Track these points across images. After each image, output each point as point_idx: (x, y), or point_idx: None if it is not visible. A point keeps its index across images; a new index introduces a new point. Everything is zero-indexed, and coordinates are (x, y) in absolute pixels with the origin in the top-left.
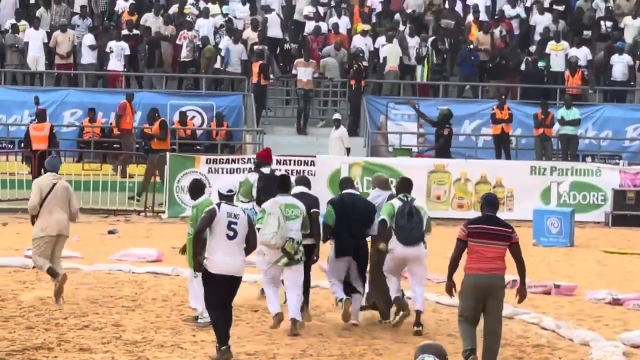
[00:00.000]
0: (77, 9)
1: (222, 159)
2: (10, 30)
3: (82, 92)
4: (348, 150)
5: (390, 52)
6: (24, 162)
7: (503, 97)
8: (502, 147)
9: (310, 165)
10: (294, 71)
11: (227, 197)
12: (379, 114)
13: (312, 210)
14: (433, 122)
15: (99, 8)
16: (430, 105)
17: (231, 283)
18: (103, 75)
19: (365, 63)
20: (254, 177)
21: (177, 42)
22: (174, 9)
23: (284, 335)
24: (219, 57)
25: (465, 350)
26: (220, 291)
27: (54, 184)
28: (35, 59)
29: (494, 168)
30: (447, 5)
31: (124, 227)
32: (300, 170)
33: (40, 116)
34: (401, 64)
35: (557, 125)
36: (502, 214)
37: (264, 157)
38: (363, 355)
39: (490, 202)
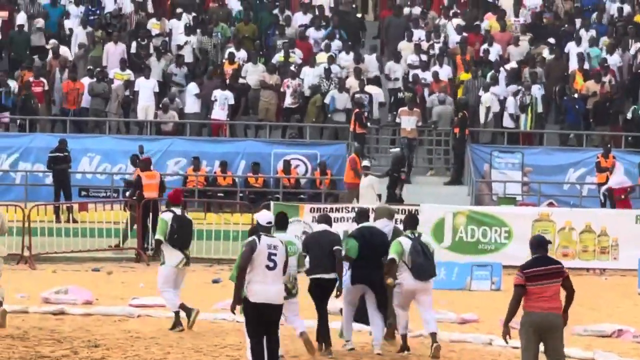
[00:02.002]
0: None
1: (326, 208)
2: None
3: (186, 140)
4: (379, 196)
5: (487, 101)
6: (127, 210)
7: (608, 145)
8: (607, 195)
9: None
10: (397, 120)
11: (266, 229)
12: (483, 162)
13: (334, 248)
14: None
15: (209, 56)
16: (534, 153)
17: (272, 311)
18: (207, 123)
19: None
20: (168, 216)
21: (282, 90)
22: (277, 57)
23: None
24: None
25: None
26: (261, 320)
27: None
28: (145, 107)
29: (598, 217)
30: (548, 54)
31: (228, 275)
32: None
33: (146, 164)
34: (502, 113)
35: None
36: (607, 263)
37: (173, 199)
38: None
39: (540, 243)
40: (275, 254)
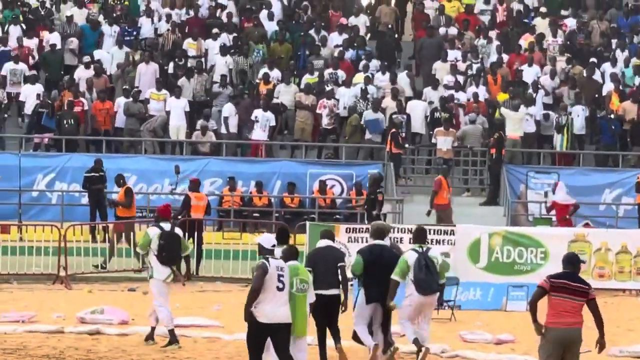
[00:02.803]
0: (216, 77)
1: (362, 228)
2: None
3: (222, 161)
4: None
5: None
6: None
7: None
8: None
9: (450, 234)
10: (433, 140)
11: (271, 252)
12: (519, 182)
13: (339, 265)
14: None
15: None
16: (570, 174)
17: (283, 331)
18: (242, 144)
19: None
20: (153, 232)
21: (317, 111)
22: (313, 78)
23: None
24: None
25: None
26: (266, 338)
27: None
28: (177, 127)
29: (634, 238)
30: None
31: None
32: (440, 240)
33: (196, 186)
34: (538, 133)
35: None
36: None
37: (164, 213)
38: None
39: (570, 260)
40: (283, 275)
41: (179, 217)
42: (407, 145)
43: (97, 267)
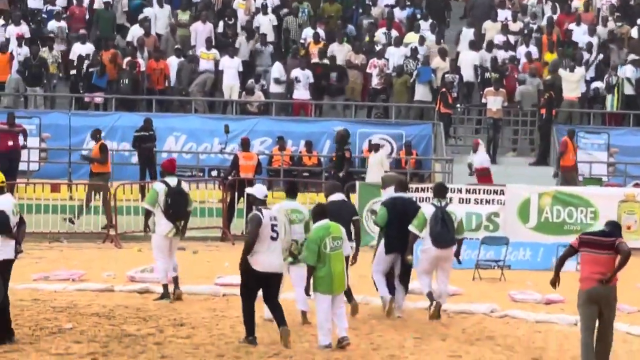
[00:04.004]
0: (269, 38)
1: (411, 188)
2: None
3: (272, 120)
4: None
5: (569, 81)
6: (222, 188)
7: None
8: None
9: (500, 194)
10: (483, 100)
11: (263, 202)
12: None
13: (353, 218)
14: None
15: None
16: (620, 134)
17: (275, 280)
18: (290, 103)
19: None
20: (160, 187)
21: (367, 70)
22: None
23: None
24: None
25: None
26: (260, 286)
27: None
28: (230, 87)
29: None
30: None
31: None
32: (489, 200)
33: (246, 145)
34: (588, 93)
35: None
36: None
37: (169, 168)
38: None
39: (610, 223)
40: (276, 225)
41: (229, 176)
42: (458, 106)
43: (66, 221)
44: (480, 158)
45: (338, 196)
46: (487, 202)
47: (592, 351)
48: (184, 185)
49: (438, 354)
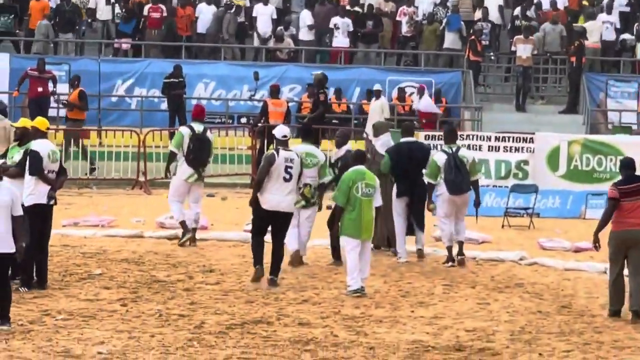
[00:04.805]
0: None
1: (440, 135)
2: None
3: (301, 67)
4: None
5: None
6: (251, 135)
7: None
8: None
9: (529, 142)
10: (513, 48)
11: (283, 142)
12: (598, 91)
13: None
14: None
15: None
16: None
17: (283, 219)
18: (320, 50)
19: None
20: (185, 131)
21: (397, 18)
22: None
23: (503, 312)
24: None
25: (611, 310)
26: (269, 223)
27: None
28: (263, 33)
29: None
30: None
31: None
32: (519, 148)
33: (275, 92)
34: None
35: None
36: None
37: (196, 114)
38: (582, 333)
39: (629, 164)
40: (291, 167)
41: (258, 123)
42: (487, 54)
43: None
44: (425, 103)
45: (348, 146)
46: (517, 150)
47: (621, 291)
48: (209, 134)
49: (467, 301)
